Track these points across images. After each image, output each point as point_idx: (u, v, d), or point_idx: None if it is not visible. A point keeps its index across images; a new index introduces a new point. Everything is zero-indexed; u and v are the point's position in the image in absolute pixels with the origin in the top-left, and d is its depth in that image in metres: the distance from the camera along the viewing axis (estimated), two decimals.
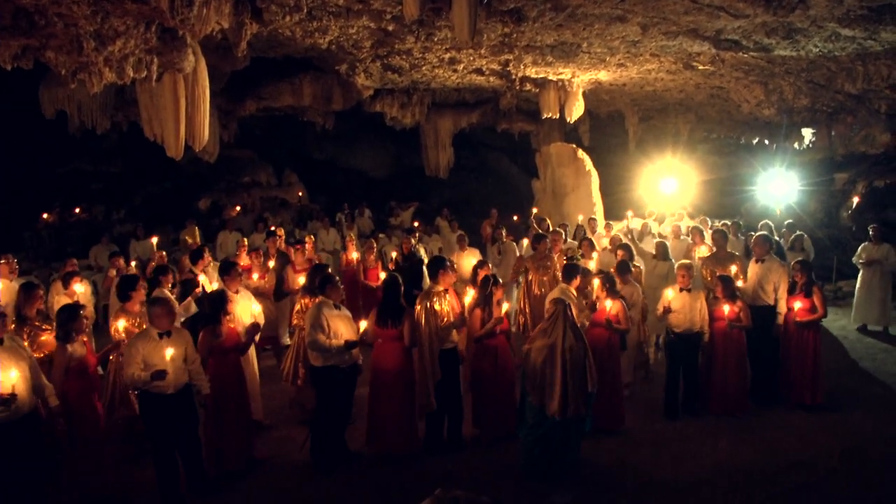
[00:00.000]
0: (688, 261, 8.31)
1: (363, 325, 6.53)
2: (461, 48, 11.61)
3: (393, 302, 6.68)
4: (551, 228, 11.96)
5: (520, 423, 6.39)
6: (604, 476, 6.48)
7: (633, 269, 8.80)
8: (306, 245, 10.84)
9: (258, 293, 8.92)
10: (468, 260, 10.49)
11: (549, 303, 6.51)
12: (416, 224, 17.23)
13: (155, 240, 11.06)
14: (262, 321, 7.42)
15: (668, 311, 7.69)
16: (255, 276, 9.40)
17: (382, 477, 6.46)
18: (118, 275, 9.28)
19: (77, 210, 19.24)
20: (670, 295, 7.72)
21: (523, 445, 6.31)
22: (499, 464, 6.64)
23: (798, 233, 11.48)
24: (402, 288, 6.83)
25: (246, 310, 7.20)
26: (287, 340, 10.09)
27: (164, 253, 10.59)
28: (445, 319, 6.74)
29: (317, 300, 6.67)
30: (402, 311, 6.62)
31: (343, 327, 6.46)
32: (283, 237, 11.58)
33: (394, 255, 10.68)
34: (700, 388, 7.94)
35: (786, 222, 13.37)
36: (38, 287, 7.04)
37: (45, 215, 18.40)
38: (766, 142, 19.93)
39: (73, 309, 6.12)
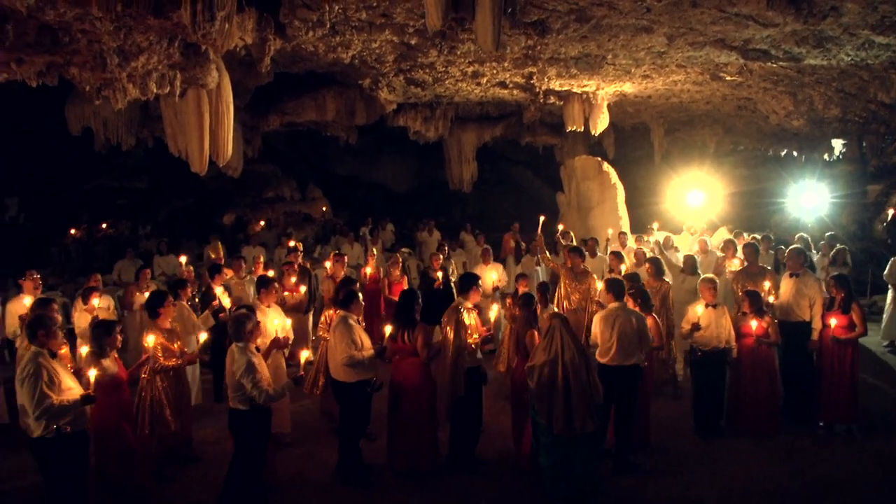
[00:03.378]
0: (711, 275, 8.05)
1: (388, 329, 6.50)
2: (484, 61, 11.55)
3: (405, 316, 6.58)
4: (575, 242, 11.77)
5: (535, 447, 6.20)
6: (631, 496, 6.30)
7: (664, 283, 8.60)
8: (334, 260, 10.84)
9: (290, 308, 8.93)
10: (489, 274, 10.40)
11: (546, 318, 6.34)
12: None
13: (184, 259, 11.02)
14: (291, 336, 7.34)
15: (696, 328, 7.46)
16: (303, 289, 9.40)
17: (405, 495, 6.32)
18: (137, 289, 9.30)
19: (104, 225, 19.46)
20: (699, 311, 7.51)
21: (543, 470, 6.11)
22: (523, 485, 6.46)
23: (840, 246, 11.20)
24: (419, 303, 6.73)
25: (274, 325, 7.16)
26: (311, 356, 10.01)
27: (191, 268, 10.58)
28: (475, 335, 6.63)
29: (339, 314, 6.58)
30: (414, 325, 6.52)
31: (366, 339, 6.49)
32: (302, 252, 11.54)
33: (439, 275, 10.61)
34: (728, 406, 7.71)
35: (826, 234, 13.04)
36: (52, 301, 7.08)
37: (72, 231, 18.60)
38: (795, 153, 19.64)
39: (109, 325, 6.12)
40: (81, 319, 8.28)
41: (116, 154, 16.42)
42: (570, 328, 6.07)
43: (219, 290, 8.48)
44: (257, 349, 5.93)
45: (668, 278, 9.08)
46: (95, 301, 8.41)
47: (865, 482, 6.57)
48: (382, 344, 6.53)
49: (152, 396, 6.62)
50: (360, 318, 6.77)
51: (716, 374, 7.57)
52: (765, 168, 22.17)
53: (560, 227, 12.86)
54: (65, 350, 6.54)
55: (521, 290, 8.60)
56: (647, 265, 9.05)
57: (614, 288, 6.87)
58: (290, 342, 7.11)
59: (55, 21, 6.47)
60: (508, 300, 8.96)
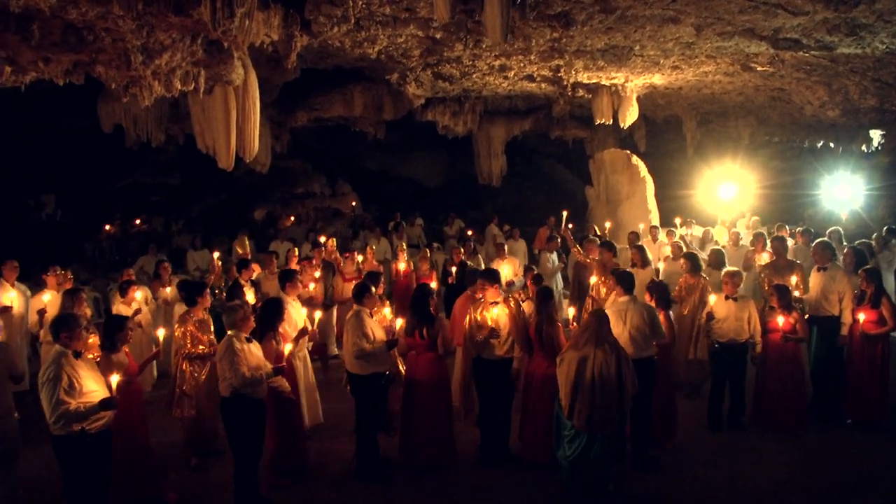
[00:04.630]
0: (734, 268, 7.87)
1: (399, 322, 6.54)
2: (511, 54, 11.49)
3: (421, 311, 6.57)
4: (607, 237, 11.64)
5: (557, 441, 6.17)
6: (648, 493, 6.20)
7: (702, 279, 8.45)
8: (366, 254, 10.85)
9: (310, 302, 9.01)
10: (503, 269, 10.37)
11: (588, 315, 6.27)
12: (469, 233, 17.12)
13: (217, 254, 11.09)
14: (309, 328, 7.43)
15: (710, 317, 7.37)
16: (312, 285, 9.44)
17: (420, 490, 6.32)
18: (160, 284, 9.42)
19: (137, 221, 19.79)
20: (713, 301, 7.42)
21: (561, 463, 6.10)
22: (540, 480, 6.41)
23: (863, 240, 10.89)
24: (433, 298, 6.75)
25: (300, 317, 7.26)
26: (335, 350, 10.08)
27: (220, 263, 10.67)
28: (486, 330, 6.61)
29: (354, 308, 6.61)
30: (432, 320, 6.51)
31: (379, 332, 6.51)
32: (334, 247, 11.57)
33: (453, 270, 10.57)
34: (753, 402, 7.55)
35: (885, 228, 12.63)
36: (81, 291, 7.33)
37: (106, 227, 18.94)
38: (832, 145, 19.16)
39: (120, 320, 6.23)
40: (120, 312, 8.38)
41: (150, 151, 16.69)
42: (608, 327, 5.99)
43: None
44: (248, 337, 5.91)
45: (705, 274, 8.87)
46: (138, 294, 8.56)
47: (893, 482, 6.39)
48: (394, 337, 6.54)
49: (177, 381, 6.84)
50: (374, 312, 6.78)
51: (734, 368, 7.44)
52: (800, 160, 21.69)
53: (608, 224, 12.71)
54: (93, 339, 6.72)
55: (530, 283, 8.56)
56: (682, 261, 8.85)
57: (624, 281, 6.84)
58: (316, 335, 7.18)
59: (78, 20, 6.57)
60: (517, 294, 8.90)
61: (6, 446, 5.71)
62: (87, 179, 19.75)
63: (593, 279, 9.04)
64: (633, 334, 6.46)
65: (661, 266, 9.91)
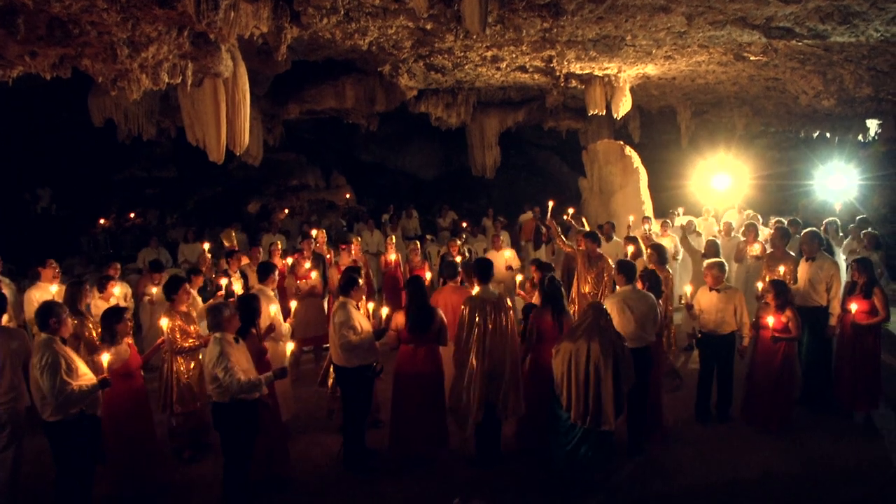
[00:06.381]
0: (716, 260, 7.80)
1: (385, 311, 6.58)
2: (502, 45, 11.43)
3: (416, 304, 6.53)
4: (586, 227, 11.59)
5: (550, 431, 6.16)
6: (635, 485, 6.21)
7: (668, 272, 8.36)
8: (352, 246, 10.84)
9: (312, 293, 9.08)
10: (501, 258, 10.37)
11: (588, 307, 6.25)
12: (464, 224, 17.10)
13: (206, 245, 11.00)
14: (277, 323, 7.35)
15: (689, 307, 7.39)
16: (315, 274, 9.46)
17: (407, 481, 6.33)
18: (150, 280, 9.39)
19: (132, 215, 19.75)
20: (690, 291, 7.44)
21: (553, 453, 6.10)
22: (528, 473, 6.42)
23: (871, 230, 10.85)
24: (425, 290, 6.74)
25: (274, 311, 7.29)
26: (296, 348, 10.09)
27: (209, 255, 10.64)
28: None
29: (340, 300, 6.58)
30: (431, 314, 6.47)
31: (366, 324, 6.53)
32: (324, 240, 11.53)
33: (458, 259, 10.53)
34: (743, 395, 7.52)
35: (857, 218, 12.62)
36: (86, 283, 7.42)
37: (101, 220, 18.91)
38: (828, 135, 19.13)
39: (119, 311, 6.25)
40: (98, 307, 8.35)
41: (145, 145, 16.64)
42: (605, 319, 5.94)
43: (227, 279, 8.55)
44: (236, 338, 5.81)
45: (670, 268, 8.80)
46: (116, 290, 8.53)
47: (885, 471, 6.40)
48: (382, 326, 6.56)
49: (169, 377, 6.87)
50: (360, 304, 6.77)
51: (720, 359, 7.43)
52: (796, 150, 21.69)
53: (570, 210, 12.64)
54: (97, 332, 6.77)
55: (536, 276, 8.51)
56: (648, 251, 8.72)
57: (625, 270, 6.82)
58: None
59: (63, 13, 6.50)
60: (527, 286, 8.88)
61: (14, 429, 5.79)
62: (83, 173, 19.72)
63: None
64: (642, 322, 6.46)
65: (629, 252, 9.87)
